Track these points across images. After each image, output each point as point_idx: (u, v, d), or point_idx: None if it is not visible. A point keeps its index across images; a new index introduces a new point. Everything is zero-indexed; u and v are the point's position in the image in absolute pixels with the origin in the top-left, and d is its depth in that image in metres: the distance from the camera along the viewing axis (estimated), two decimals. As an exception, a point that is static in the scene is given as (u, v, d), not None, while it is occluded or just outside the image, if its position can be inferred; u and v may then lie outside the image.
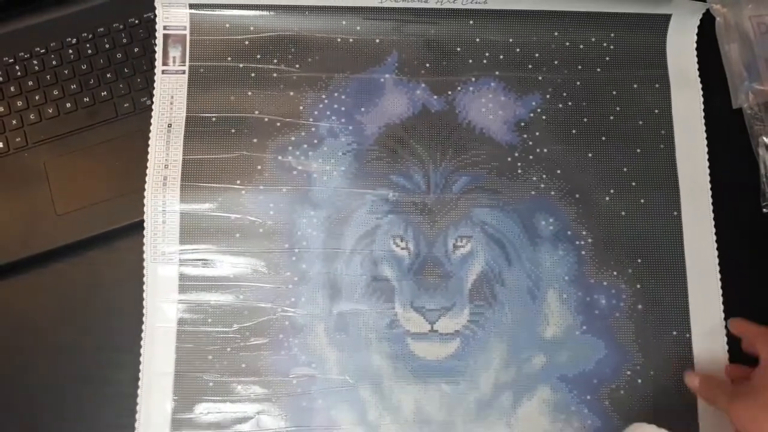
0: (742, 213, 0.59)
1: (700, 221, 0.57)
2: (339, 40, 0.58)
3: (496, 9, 0.59)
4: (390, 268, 0.56)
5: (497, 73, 0.58)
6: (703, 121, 0.58)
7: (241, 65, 0.58)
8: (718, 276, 0.56)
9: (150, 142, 0.56)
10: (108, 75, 0.62)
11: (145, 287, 0.55)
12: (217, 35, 0.58)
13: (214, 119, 0.57)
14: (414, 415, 0.54)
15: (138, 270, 0.56)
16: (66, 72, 0.62)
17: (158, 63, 0.58)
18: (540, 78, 0.58)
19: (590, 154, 0.57)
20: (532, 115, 0.58)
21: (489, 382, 0.55)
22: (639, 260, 0.56)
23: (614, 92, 0.58)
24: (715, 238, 0.56)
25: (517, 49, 0.58)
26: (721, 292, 0.55)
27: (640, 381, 0.54)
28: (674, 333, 0.55)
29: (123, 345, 0.56)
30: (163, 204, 0.55)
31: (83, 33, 0.63)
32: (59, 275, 0.59)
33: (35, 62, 0.62)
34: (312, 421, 0.54)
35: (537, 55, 0.58)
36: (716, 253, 0.56)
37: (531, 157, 0.57)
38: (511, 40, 0.58)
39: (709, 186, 0.57)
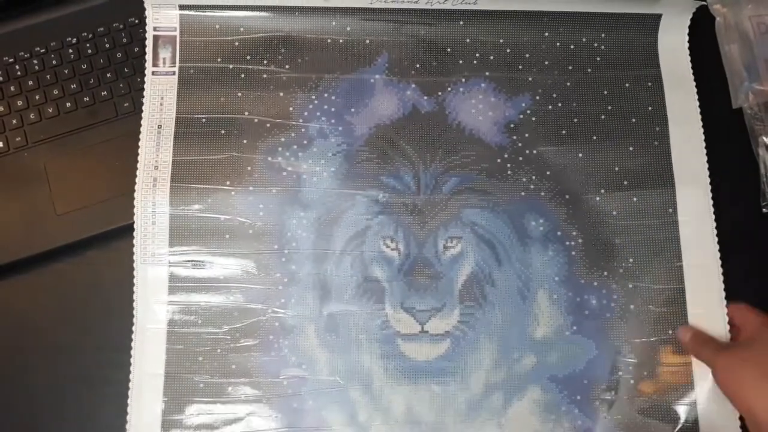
0: (742, 213, 0.59)
1: (700, 218, 0.57)
2: (329, 40, 0.58)
3: (487, 9, 0.59)
4: (380, 269, 0.56)
5: (487, 73, 0.58)
6: (700, 117, 0.58)
7: (231, 66, 0.58)
8: (721, 275, 0.55)
9: (140, 143, 0.56)
10: (108, 75, 0.62)
11: (135, 288, 0.55)
12: (207, 36, 0.58)
13: (204, 120, 0.57)
14: (404, 416, 0.54)
15: None
16: (66, 72, 0.62)
17: (148, 64, 0.58)
18: (530, 79, 0.58)
19: (580, 154, 0.57)
20: (521, 116, 0.58)
21: (479, 383, 0.55)
22: (631, 260, 0.56)
23: (605, 92, 0.58)
24: (716, 235, 0.56)
25: (508, 50, 0.58)
26: (723, 292, 0.55)
27: (632, 382, 0.54)
28: (670, 332, 0.55)
29: (123, 345, 0.56)
30: (153, 205, 0.55)
31: (83, 33, 0.63)
32: (59, 275, 0.59)
33: (35, 62, 0.62)
34: (302, 422, 0.54)
35: (527, 55, 0.58)
36: (717, 251, 0.56)
37: (521, 158, 0.57)
38: (501, 40, 0.58)
39: (709, 181, 0.57)
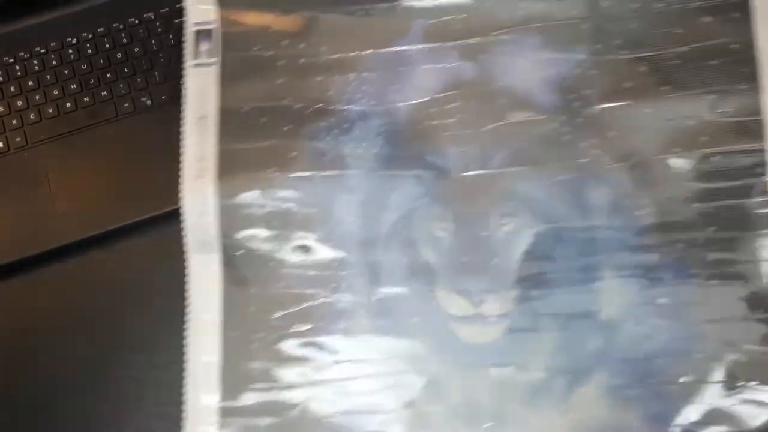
0: None
1: None
2: (360, 16, 0.55)
3: None
4: (430, 251, 0.54)
5: (535, 25, 0.52)
6: None
7: (268, 53, 0.57)
8: None
9: (183, 136, 0.57)
10: (108, 75, 0.62)
11: (187, 279, 0.56)
12: (244, 26, 0.58)
13: (245, 109, 0.57)
14: (461, 400, 0.52)
15: (138, 270, 0.58)
16: (66, 72, 0.63)
17: (188, 57, 0.58)
18: (586, 26, 0.51)
19: (648, 110, 0.50)
20: (577, 71, 0.51)
21: (540, 367, 0.51)
22: (713, 228, 0.49)
23: (680, 30, 0.49)
24: None
25: (557, -4, 0.51)
26: None
27: (714, 364, 0.48)
28: (761, 311, 0.48)
29: (124, 344, 0.58)
30: (201, 196, 0.57)
31: (83, 33, 0.63)
32: (59, 275, 0.60)
33: (35, 62, 0.64)
34: (358, 406, 0.54)
35: (581, -2, 0.51)
36: None
37: (579, 119, 0.51)
38: (550, -16, 0.51)
39: None
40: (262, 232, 0.57)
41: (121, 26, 0.64)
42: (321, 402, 0.55)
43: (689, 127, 0.49)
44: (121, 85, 0.63)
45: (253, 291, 0.57)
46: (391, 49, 0.55)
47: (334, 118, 0.56)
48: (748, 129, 0.49)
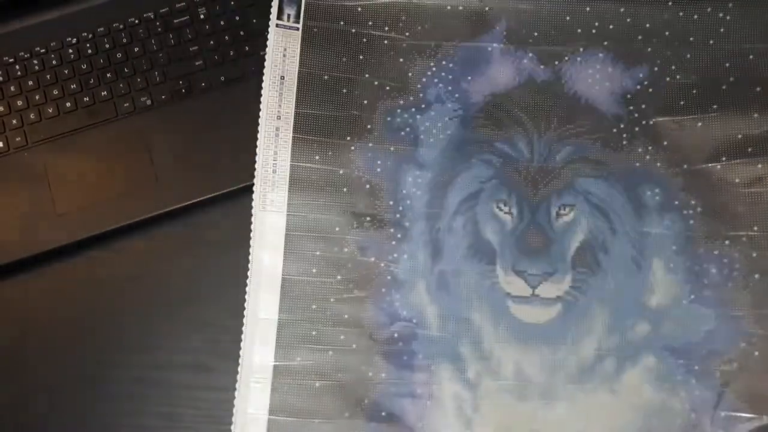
0: None
1: None
2: (449, 8, 0.60)
3: None
4: (492, 232, 0.56)
5: (606, 43, 0.58)
6: None
7: (353, 30, 0.60)
8: None
9: (263, 93, 0.58)
10: (108, 75, 0.63)
11: (252, 235, 0.56)
12: (331, 0, 0.61)
13: (326, 78, 0.59)
14: (514, 376, 0.54)
15: (138, 270, 0.58)
16: (66, 72, 0.63)
17: (273, 17, 0.59)
18: (649, 50, 0.58)
19: (700, 124, 0.57)
20: (638, 87, 0.58)
21: (591, 348, 0.54)
22: (755, 228, 0.55)
23: (727, 64, 0.57)
24: None
25: (628, 19, 0.58)
26: None
27: (757, 353, 0.53)
28: None
29: (123, 345, 0.57)
30: (274, 154, 0.57)
31: (83, 33, 0.64)
32: (59, 275, 0.60)
33: (35, 62, 0.64)
34: (412, 375, 0.54)
35: (648, 25, 0.58)
36: None
37: (637, 128, 0.57)
38: (622, 9, 0.58)
39: None
40: (329, 197, 0.58)
41: (121, 26, 0.64)
42: (375, 368, 0.55)
43: (737, 140, 0.56)
44: (120, 85, 0.63)
45: (317, 253, 0.57)
46: (475, 43, 0.59)
47: (412, 98, 0.59)
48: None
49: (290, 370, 0.54)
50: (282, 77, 0.59)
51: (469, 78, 0.59)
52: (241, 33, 0.63)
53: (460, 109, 0.59)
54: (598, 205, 0.56)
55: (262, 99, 0.58)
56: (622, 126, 0.57)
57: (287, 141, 0.58)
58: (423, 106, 0.59)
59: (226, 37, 0.63)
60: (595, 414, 0.54)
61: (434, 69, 0.59)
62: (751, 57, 0.57)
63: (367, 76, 0.59)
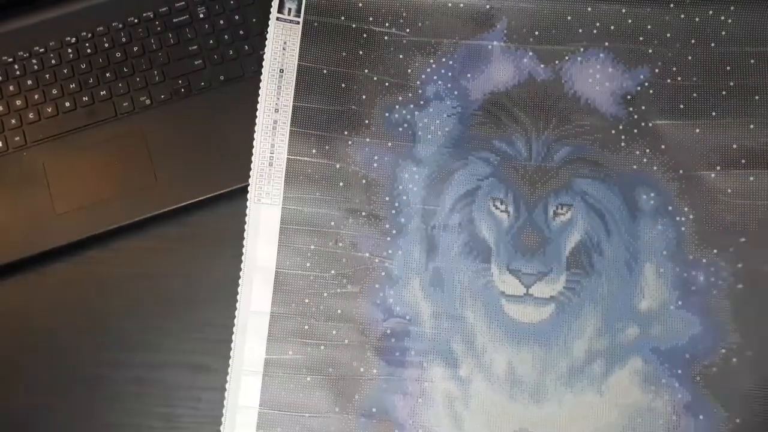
0: None
1: None
2: (450, 5, 0.59)
3: None
4: (488, 230, 0.56)
5: (607, 44, 0.58)
6: None
7: (354, 25, 0.60)
8: None
9: (261, 85, 0.58)
10: (107, 74, 0.63)
11: (246, 227, 0.56)
12: None
13: (325, 72, 0.59)
14: (505, 374, 0.54)
15: (138, 270, 0.58)
16: (65, 71, 0.63)
17: (273, 10, 0.59)
18: (650, 51, 0.58)
19: (698, 130, 0.57)
20: (639, 88, 0.58)
21: (582, 349, 0.54)
22: (742, 239, 0.55)
23: (728, 68, 0.57)
24: None
25: (629, 20, 0.58)
26: None
27: (735, 360, 0.53)
28: None
29: (123, 344, 0.57)
30: (271, 146, 0.57)
31: (82, 32, 0.64)
32: (59, 275, 0.60)
33: (34, 61, 0.64)
34: (404, 371, 0.54)
35: (649, 26, 0.58)
36: None
37: (635, 130, 0.57)
38: (624, 10, 0.58)
39: None
40: (325, 191, 0.58)
41: (120, 25, 0.64)
42: (366, 363, 0.55)
43: (731, 149, 0.57)
44: (120, 85, 0.63)
45: (311, 247, 0.57)
46: (475, 41, 0.59)
47: (410, 94, 0.59)
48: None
49: (282, 363, 0.54)
50: (281, 70, 0.59)
51: (469, 76, 0.59)
52: (241, 32, 0.63)
53: (459, 106, 0.58)
54: (594, 206, 0.57)
55: (260, 92, 0.58)
56: (620, 127, 0.57)
57: (284, 134, 0.57)
58: (422, 102, 0.59)
59: (226, 37, 0.63)
60: (583, 413, 0.54)
61: (434, 66, 0.59)
62: (752, 61, 0.57)
63: (366, 71, 0.59)
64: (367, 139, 0.58)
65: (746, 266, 0.55)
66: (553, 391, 0.54)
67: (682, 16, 0.58)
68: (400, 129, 0.58)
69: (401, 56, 0.59)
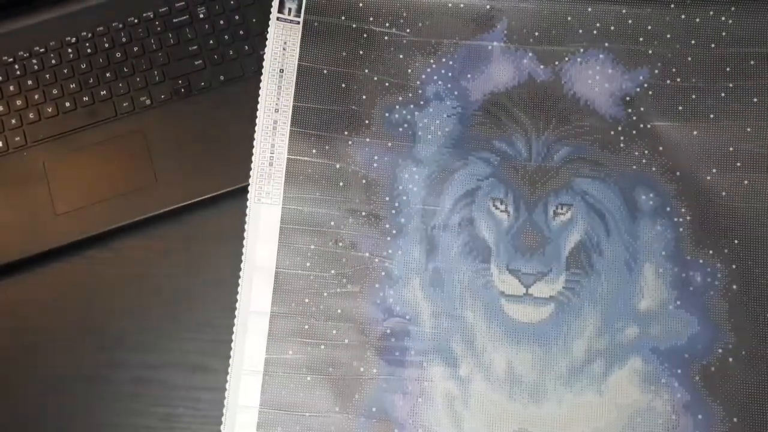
0: None
1: None
2: (450, 5, 0.60)
3: None
4: (488, 230, 0.57)
5: (606, 44, 0.58)
6: None
7: (354, 25, 0.60)
8: None
9: (261, 85, 0.58)
10: (107, 74, 0.63)
11: (246, 227, 0.56)
12: None
13: (325, 72, 0.59)
14: (505, 374, 0.54)
15: (138, 270, 0.58)
16: (65, 71, 0.63)
17: (273, 10, 0.59)
18: (650, 52, 0.58)
19: (695, 132, 0.57)
20: (638, 89, 0.58)
21: (581, 349, 0.55)
22: (736, 241, 0.55)
23: (728, 69, 0.57)
24: None
25: (629, 21, 0.58)
26: None
27: (731, 360, 0.54)
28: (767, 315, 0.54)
29: (123, 344, 0.58)
30: (271, 146, 0.57)
31: (82, 32, 0.64)
32: (59, 275, 0.60)
33: (34, 61, 0.64)
34: (404, 371, 0.54)
35: (649, 27, 0.58)
36: None
37: (634, 131, 0.57)
38: (624, 10, 0.58)
39: None
40: (325, 191, 0.58)
41: (120, 25, 0.64)
42: (366, 363, 0.55)
43: (728, 152, 0.57)
44: (120, 85, 0.63)
45: (311, 247, 0.57)
46: (475, 41, 0.59)
47: (411, 95, 0.59)
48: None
49: (282, 363, 0.54)
50: (281, 70, 0.59)
51: (469, 76, 0.59)
52: (241, 32, 0.63)
53: (459, 106, 0.59)
54: (594, 206, 0.57)
55: (260, 92, 0.58)
56: (619, 128, 0.58)
57: (284, 134, 0.58)
58: (422, 102, 0.59)
59: (226, 37, 0.63)
60: (582, 413, 0.54)
61: (434, 66, 0.59)
62: (752, 62, 0.57)
63: (366, 71, 0.59)
64: (367, 139, 0.58)
65: (740, 268, 0.55)
66: (552, 390, 0.54)
67: (683, 16, 0.58)
68: (400, 129, 0.58)
69: (401, 56, 0.60)
